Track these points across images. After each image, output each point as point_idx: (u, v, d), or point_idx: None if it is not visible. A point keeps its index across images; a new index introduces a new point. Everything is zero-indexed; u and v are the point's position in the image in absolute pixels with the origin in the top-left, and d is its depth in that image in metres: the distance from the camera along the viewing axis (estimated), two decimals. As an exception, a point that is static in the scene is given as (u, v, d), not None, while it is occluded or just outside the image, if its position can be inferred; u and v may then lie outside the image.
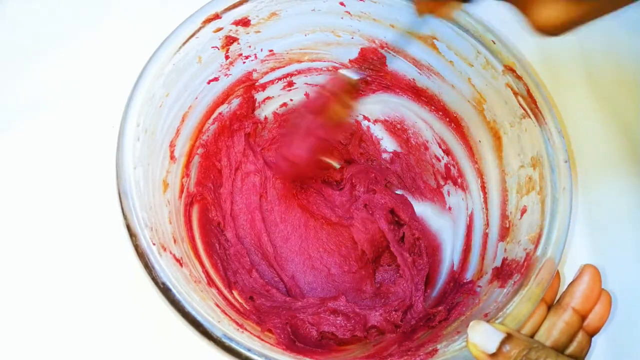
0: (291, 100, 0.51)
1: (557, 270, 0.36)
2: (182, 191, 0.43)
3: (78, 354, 0.44)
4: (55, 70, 0.53)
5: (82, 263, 0.46)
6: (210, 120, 0.46)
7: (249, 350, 0.32)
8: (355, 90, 0.39)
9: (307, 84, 0.50)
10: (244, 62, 0.45)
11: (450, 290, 0.44)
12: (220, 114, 0.46)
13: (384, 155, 0.54)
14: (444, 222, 0.50)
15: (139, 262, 0.33)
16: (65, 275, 0.46)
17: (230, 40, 0.42)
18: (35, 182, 0.49)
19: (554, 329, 0.34)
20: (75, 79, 0.52)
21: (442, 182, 0.51)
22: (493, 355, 0.31)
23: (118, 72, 0.47)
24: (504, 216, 0.42)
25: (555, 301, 0.36)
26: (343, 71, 0.42)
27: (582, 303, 0.35)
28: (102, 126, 0.45)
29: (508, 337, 0.31)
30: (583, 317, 0.35)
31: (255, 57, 0.45)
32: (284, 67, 0.48)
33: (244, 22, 0.42)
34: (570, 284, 0.36)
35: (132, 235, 0.33)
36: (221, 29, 0.41)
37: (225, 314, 0.37)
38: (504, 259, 0.40)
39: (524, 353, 0.30)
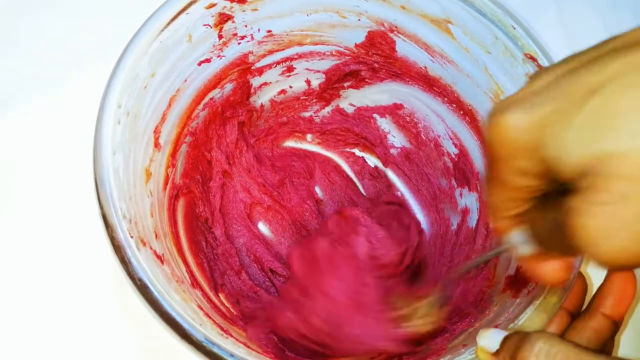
0: (290, 87, 0.52)
1: (583, 276, 0.36)
2: (166, 182, 0.43)
3: (54, 355, 0.44)
4: (34, 54, 0.54)
5: (59, 260, 0.47)
6: (201, 106, 0.46)
7: (232, 355, 0.32)
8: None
9: (308, 69, 0.50)
10: (239, 43, 0.45)
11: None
12: (211, 99, 0.47)
13: (392, 151, 0.54)
14: (455, 226, 0.50)
15: (114, 257, 0.33)
16: (40, 271, 0.46)
17: (224, 18, 0.43)
18: (11, 173, 0.50)
19: (578, 336, 0.34)
20: (55, 58, 0.53)
21: (454, 183, 0.51)
22: (496, 352, 0.31)
23: (101, 53, 0.47)
24: (520, 220, 0.42)
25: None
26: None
27: (613, 306, 0.34)
28: (82, 115, 0.45)
29: (513, 333, 0.31)
30: (615, 323, 0.34)
31: (252, 37, 0.46)
32: (283, 49, 0.48)
33: (240, -1, 0.42)
34: (600, 286, 0.36)
35: (108, 226, 0.33)
36: (214, 4, 0.41)
37: (209, 317, 0.37)
38: (518, 267, 0.39)
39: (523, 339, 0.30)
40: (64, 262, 0.47)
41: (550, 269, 0.29)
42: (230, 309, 0.43)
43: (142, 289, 0.32)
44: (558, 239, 0.25)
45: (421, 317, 0.38)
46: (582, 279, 0.37)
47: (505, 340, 0.31)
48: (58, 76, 0.53)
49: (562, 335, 0.35)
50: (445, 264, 0.48)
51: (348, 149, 0.55)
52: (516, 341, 0.30)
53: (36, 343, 0.45)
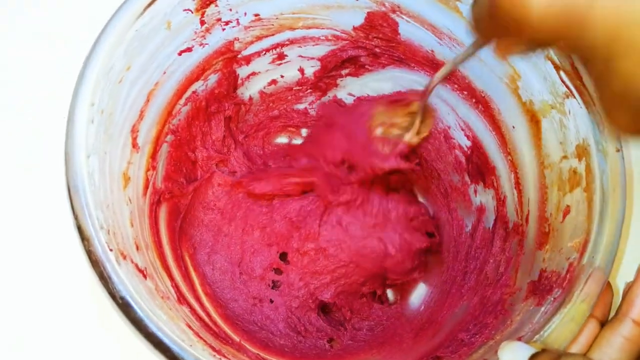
0: (282, 76, 0.51)
1: (609, 282, 0.36)
2: (146, 187, 0.43)
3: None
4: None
5: (31, 270, 0.47)
6: (182, 101, 0.46)
7: (227, 379, 0.32)
8: None
9: (301, 56, 0.50)
10: (223, 29, 0.45)
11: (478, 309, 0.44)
12: (194, 92, 0.47)
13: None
14: (469, 227, 0.50)
15: (92, 272, 0.33)
16: (10, 283, 0.47)
17: (206, 2, 0.42)
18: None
19: (608, 346, 0.34)
20: (23, 48, 0.53)
21: (467, 179, 0.51)
22: None
23: (72, 43, 0.47)
24: (542, 219, 0.42)
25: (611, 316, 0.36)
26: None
27: None
28: (53, 109, 0.46)
29: (540, 352, 0.32)
30: None
31: (238, 22, 0.45)
32: (272, 35, 0.48)
33: (224, -21, 0.42)
34: (627, 289, 0.36)
35: (84, 239, 0.33)
36: (195, -13, 0.41)
37: (199, 336, 0.37)
38: (542, 271, 0.40)
39: None
40: (36, 271, 0.47)
41: None
42: (221, 324, 0.43)
43: (125, 307, 0.32)
44: None
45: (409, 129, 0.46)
46: (609, 286, 0.37)
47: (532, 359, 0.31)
48: (27, 65, 0.53)
49: (591, 347, 0.35)
50: (459, 269, 0.49)
51: (348, 144, 0.55)
52: None
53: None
